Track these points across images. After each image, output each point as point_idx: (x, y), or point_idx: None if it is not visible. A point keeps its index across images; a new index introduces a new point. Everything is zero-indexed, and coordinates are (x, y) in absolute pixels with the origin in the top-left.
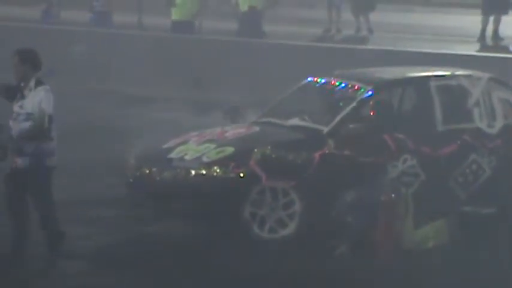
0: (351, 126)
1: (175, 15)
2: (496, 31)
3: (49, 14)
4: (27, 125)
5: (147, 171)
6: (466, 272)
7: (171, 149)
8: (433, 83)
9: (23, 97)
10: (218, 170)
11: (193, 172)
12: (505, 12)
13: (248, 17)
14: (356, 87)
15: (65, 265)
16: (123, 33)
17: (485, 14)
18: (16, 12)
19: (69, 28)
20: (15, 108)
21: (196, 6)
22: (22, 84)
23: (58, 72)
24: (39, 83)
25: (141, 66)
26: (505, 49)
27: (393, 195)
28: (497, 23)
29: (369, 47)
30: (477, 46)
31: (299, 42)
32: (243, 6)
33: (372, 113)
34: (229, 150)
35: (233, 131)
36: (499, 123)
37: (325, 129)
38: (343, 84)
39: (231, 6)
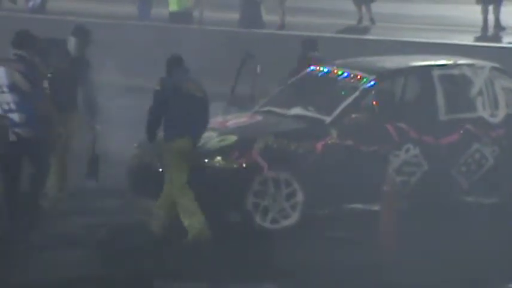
0: (353, 116)
1: None
2: (497, 20)
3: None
4: None
5: (148, 160)
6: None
7: None
8: (435, 72)
9: None
10: (221, 160)
11: None
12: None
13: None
14: (359, 76)
15: (64, 254)
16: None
17: (484, 3)
18: None
19: None
20: None
21: None
22: None
23: None
24: None
25: None
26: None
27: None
28: (497, 12)
29: (371, 37)
30: (477, 36)
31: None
32: None
33: (374, 103)
34: (232, 139)
35: (235, 120)
36: (501, 112)
37: (328, 119)
38: (345, 74)
39: None
